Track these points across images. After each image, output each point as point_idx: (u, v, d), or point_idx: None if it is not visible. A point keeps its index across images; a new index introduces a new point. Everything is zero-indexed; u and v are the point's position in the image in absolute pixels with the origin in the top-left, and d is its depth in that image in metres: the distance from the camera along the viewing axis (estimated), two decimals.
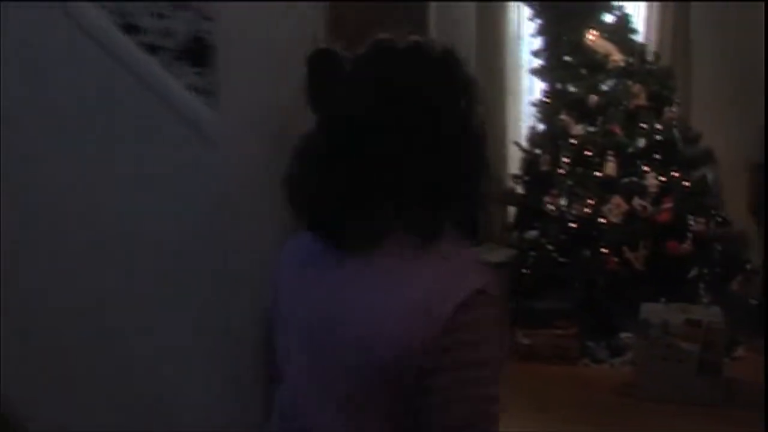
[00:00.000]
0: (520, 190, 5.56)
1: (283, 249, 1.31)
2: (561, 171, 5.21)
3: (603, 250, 4.98)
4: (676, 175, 5.11)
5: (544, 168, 5.23)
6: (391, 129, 1.12)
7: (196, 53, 2.62)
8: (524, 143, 5.62)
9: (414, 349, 1.08)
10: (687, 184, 5.13)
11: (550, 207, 5.13)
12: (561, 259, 5.12)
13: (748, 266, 5.26)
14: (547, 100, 5.38)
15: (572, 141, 5.14)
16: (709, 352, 4.25)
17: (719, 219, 5.11)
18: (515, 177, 5.60)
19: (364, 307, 1.13)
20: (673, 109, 5.23)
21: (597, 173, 5.07)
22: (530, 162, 5.44)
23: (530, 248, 5.30)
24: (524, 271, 5.30)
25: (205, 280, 2.70)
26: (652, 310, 4.48)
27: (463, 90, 1.17)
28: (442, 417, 1.08)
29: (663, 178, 5.10)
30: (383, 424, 1.13)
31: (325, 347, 1.17)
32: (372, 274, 1.13)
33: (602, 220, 5.00)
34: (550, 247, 5.12)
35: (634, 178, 5.06)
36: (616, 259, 4.94)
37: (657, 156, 5.14)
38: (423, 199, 1.13)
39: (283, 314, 1.26)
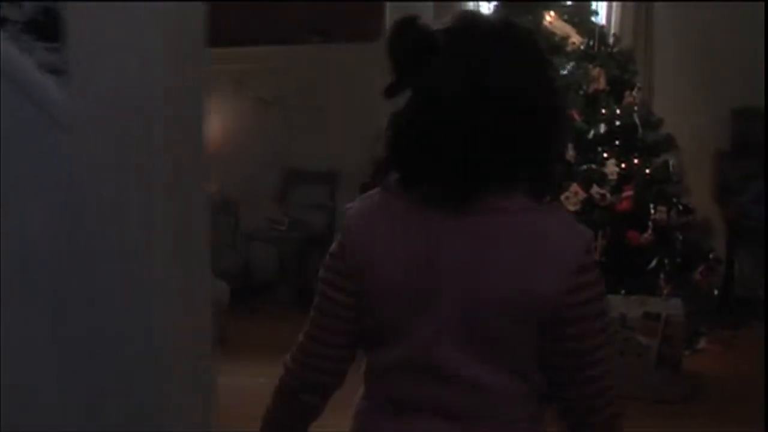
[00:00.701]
0: None
1: (355, 223, 1.32)
2: None
3: None
4: (637, 162, 4.92)
5: None
6: (494, 103, 1.19)
7: (47, 26, 2.34)
8: None
9: (555, 292, 1.20)
10: (648, 171, 4.93)
11: None
12: None
13: (711, 255, 5.10)
14: None
15: None
16: (668, 346, 4.07)
17: (681, 207, 4.92)
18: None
19: (501, 261, 1.21)
20: (634, 93, 5.02)
21: None
22: None
23: None
24: None
25: (54, 269, 2.54)
26: (610, 303, 4.29)
27: (548, 63, 1.30)
28: (576, 344, 1.25)
29: (623, 165, 4.91)
30: (521, 376, 1.26)
31: (465, 302, 1.22)
32: (497, 231, 1.22)
33: None
34: None
35: (593, 165, 4.85)
36: None
37: (617, 142, 4.94)
38: (526, 162, 1.23)
39: (387, 279, 1.27)
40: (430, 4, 5.21)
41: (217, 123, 6.58)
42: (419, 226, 1.26)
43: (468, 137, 1.20)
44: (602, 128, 4.92)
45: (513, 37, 1.25)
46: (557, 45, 4.98)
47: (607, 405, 1.31)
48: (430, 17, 5.05)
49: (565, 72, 5.04)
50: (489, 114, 1.19)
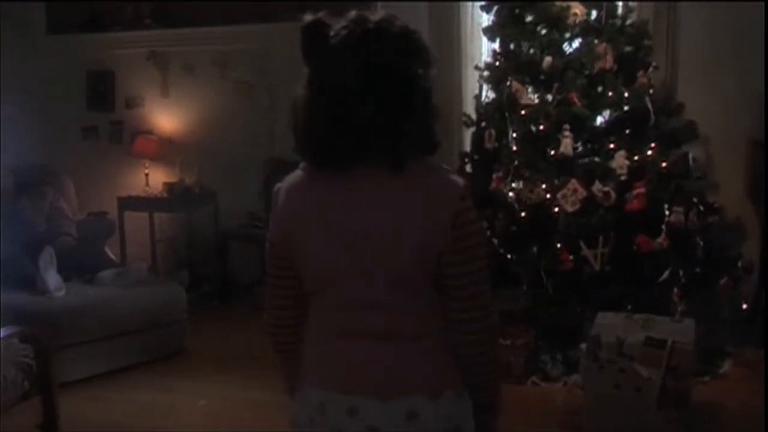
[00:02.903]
0: (469, 170, 4.66)
1: (284, 193, 1.62)
2: (515, 149, 4.30)
3: (557, 245, 4.09)
4: (651, 153, 4.19)
5: (488, 145, 4.33)
6: (373, 93, 1.50)
7: None
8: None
9: (437, 234, 1.53)
10: (664, 165, 4.21)
11: (495, 192, 4.23)
12: (508, 255, 4.22)
13: (740, 263, 4.36)
14: (497, 63, 4.45)
15: (522, 112, 4.22)
16: (673, 378, 3.36)
17: (702, 207, 4.19)
18: (464, 155, 4.71)
19: (395, 214, 1.54)
20: (649, 73, 4.28)
21: (551, 151, 4.16)
22: (479, 137, 4.53)
23: None
24: None
25: None
26: (607, 324, 3.60)
27: (423, 59, 1.56)
28: (457, 282, 1.57)
29: (636, 158, 4.19)
30: (422, 296, 1.59)
31: (371, 250, 1.55)
32: (389, 188, 1.54)
33: (555, 209, 4.10)
34: (494, 240, 4.23)
35: (596, 158, 4.15)
36: (570, 257, 4.04)
37: (627, 131, 4.22)
38: (403, 136, 1.53)
39: (312, 237, 1.58)
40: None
41: (196, 108, 6.05)
42: (330, 194, 1.56)
43: (350, 123, 1.50)
44: (607, 114, 4.20)
45: (392, 38, 1.53)
46: (556, 17, 4.27)
47: (484, 342, 1.62)
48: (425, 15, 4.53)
49: (567, 49, 4.33)
50: (367, 105, 1.50)
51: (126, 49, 6.18)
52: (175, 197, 5.82)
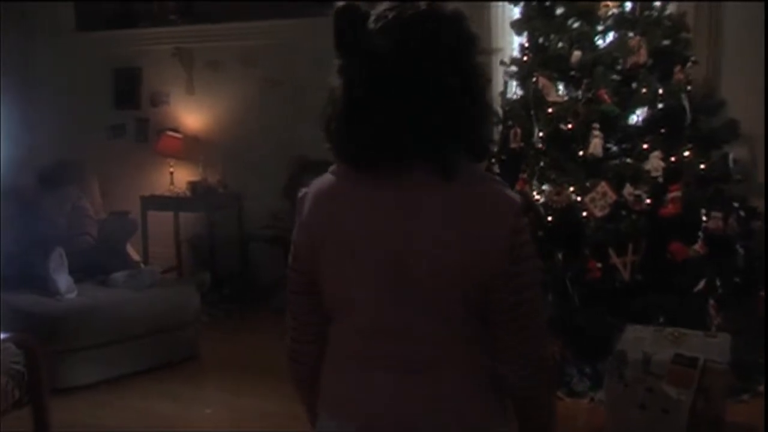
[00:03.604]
0: (496, 170, 4.43)
1: (312, 199, 1.43)
2: (543, 148, 4.06)
3: (585, 252, 3.84)
4: (688, 155, 3.91)
5: (513, 145, 4.09)
6: (426, 83, 1.31)
7: None
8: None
9: (487, 255, 1.33)
10: (703, 167, 3.92)
11: (520, 194, 3.99)
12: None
13: None
14: (524, 58, 4.21)
15: (549, 110, 3.97)
16: (705, 400, 3.10)
17: (743, 212, 3.89)
18: (490, 156, 4.47)
19: (438, 229, 1.33)
20: (687, 69, 4.00)
21: (580, 152, 3.90)
22: (506, 137, 4.30)
23: None
24: None
25: None
26: (635, 338, 3.34)
27: (478, 47, 1.37)
28: (508, 312, 1.37)
29: (673, 159, 3.91)
30: (463, 324, 1.37)
31: (406, 269, 1.34)
32: (433, 202, 1.34)
33: (583, 214, 3.85)
34: None
35: (627, 160, 3.88)
36: (598, 265, 3.79)
37: (662, 131, 3.95)
38: (454, 138, 1.34)
39: (342, 250, 1.39)
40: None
41: (220, 106, 5.92)
42: (363, 203, 1.37)
43: (391, 119, 1.32)
44: (641, 113, 3.93)
45: (440, 23, 1.33)
46: (587, 8, 4.01)
47: (536, 379, 1.42)
48: None
49: (600, 43, 4.07)
50: (409, 97, 1.31)
51: (152, 45, 6.08)
52: (197, 196, 5.70)
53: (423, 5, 1.34)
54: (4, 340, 3.09)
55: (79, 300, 4.25)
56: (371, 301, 1.38)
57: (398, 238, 1.34)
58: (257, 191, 5.81)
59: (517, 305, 1.36)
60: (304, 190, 1.46)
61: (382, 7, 1.35)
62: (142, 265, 5.15)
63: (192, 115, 6.04)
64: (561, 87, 4.17)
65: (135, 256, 5.41)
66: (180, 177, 5.91)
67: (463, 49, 1.35)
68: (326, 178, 1.43)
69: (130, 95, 6.21)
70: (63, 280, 4.27)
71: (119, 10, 6.15)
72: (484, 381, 1.40)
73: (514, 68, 4.25)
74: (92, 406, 3.84)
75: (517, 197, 1.38)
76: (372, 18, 1.34)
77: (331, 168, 1.43)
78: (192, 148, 5.92)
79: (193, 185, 5.74)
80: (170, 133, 5.92)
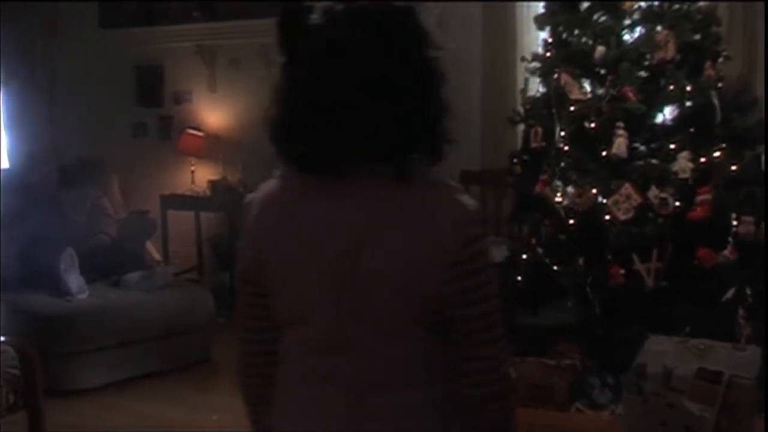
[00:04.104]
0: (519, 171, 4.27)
1: (258, 206, 1.37)
2: (565, 148, 3.89)
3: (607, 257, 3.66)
4: (719, 155, 3.70)
5: (534, 145, 3.93)
6: (372, 80, 1.24)
7: None
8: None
9: (437, 267, 1.26)
10: (734, 168, 3.71)
11: (541, 196, 3.84)
12: (555, 267, 3.82)
13: None
14: (547, 54, 4.04)
15: (571, 108, 3.80)
16: (729, 418, 2.90)
17: None
18: (513, 155, 4.32)
19: (385, 239, 1.27)
20: (719, 65, 3.79)
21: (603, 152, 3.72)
22: (527, 136, 4.14)
23: (523, 248, 4.03)
24: (518, 277, 4.04)
25: None
26: (657, 350, 3.15)
27: (426, 40, 1.29)
28: (463, 328, 1.31)
29: (702, 160, 3.71)
30: (417, 341, 1.31)
31: (354, 281, 1.27)
32: (381, 209, 1.28)
33: (606, 217, 3.67)
34: (539, 249, 3.83)
35: (653, 160, 3.69)
36: (621, 271, 3.61)
37: (691, 130, 3.75)
38: (406, 138, 1.28)
39: (289, 261, 1.32)
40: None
41: (242, 103, 5.83)
42: (310, 210, 1.31)
43: (337, 118, 1.25)
44: (668, 111, 3.74)
45: (381, 21, 1.27)
46: (612, 3, 3.83)
47: (497, 396, 1.34)
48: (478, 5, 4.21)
49: (626, 38, 3.88)
50: (355, 95, 1.24)
51: (174, 43, 6.02)
52: (217, 196, 5.62)
53: (364, 1, 1.28)
54: (1, 343, 3.03)
55: (90, 301, 4.19)
56: (320, 315, 1.32)
57: (345, 249, 1.28)
58: None
59: (472, 320, 1.30)
60: (251, 195, 1.41)
61: (328, 2, 1.28)
62: (162, 265, 5.09)
63: (214, 113, 5.96)
64: (586, 84, 3.99)
65: (156, 255, 5.36)
66: (201, 176, 5.84)
67: (414, 44, 1.28)
68: (272, 184, 1.38)
69: (152, 93, 6.15)
70: (74, 281, 4.22)
71: (142, 7, 6.10)
72: (441, 400, 1.34)
73: (536, 64, 4.07)
74: (98, 409, 3.78)
75: (471, 204, 1.31)
76: (317, 13, 1.27)
77: (278, 172, 1.37)
78: (213, 146, 5.84)
79: (213, 184, 5.67)
80: (191, 131, 5.84)
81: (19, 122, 6.10)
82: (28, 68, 6.14)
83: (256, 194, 1.40)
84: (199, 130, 5.87)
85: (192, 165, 5.83)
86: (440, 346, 1.33)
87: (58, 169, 5.39)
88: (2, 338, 3.05)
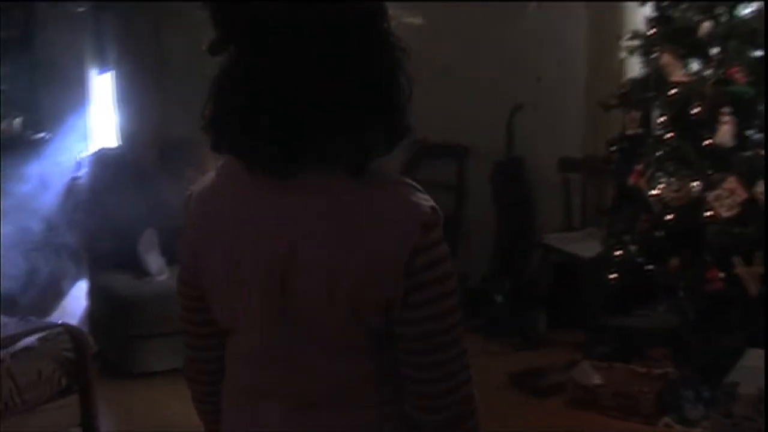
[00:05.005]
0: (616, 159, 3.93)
1: (194, 204, 1.24)
2: (666, 136, 3.52)
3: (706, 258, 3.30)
4: None
5: (630, 131, 3.57)
6: (319, 58, 1.10)
7: None
8: None
9: (385, 278, 1.12)
10: None
11: (634, 188, 3.50)
12: (648, 266, 3.48)
13: None
14: (649, 32, 3.66)
15: (671, 91, 3.42)
16: None
17: None
18: (610, 142, 3.97)
19: (327, 244, 1.13)
20: None
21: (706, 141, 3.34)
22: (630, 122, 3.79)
23: (616, 244, 3.71)
24: (611, 275, 3.72)
25: None
26: (752, 367, 2.80)
27: (382, 13, 1.16)
28: (413, 346, 1.17)
29: None
30: (364, 361, 1.19)
31: (292, 289, 1.15)
32: (325, 209, 1.14)
33: (706, 213, 3.29)
34: (632, 247, 3.50)
35: (762, 152, 3.27)
36: (720, 275, 3.23)
37: None
38: (351, 127, 1.13)
39: (223, 265, 1.20)
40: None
41: None
42: (247, 209, 1.18)
43: (282, 109, 1.11)
44: None
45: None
46: None
47: (452, 423, 1.21)
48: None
49: (739, 11, 3.46)
50: (302, 85, 1.10)
51: None
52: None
53: None
54: (56, 327, 3.03)
55: (168, 283, 4.17)
56: (257, 326, 1.21)
57: (284, 253, 1.15)
58: None
59: (426, 337, 1.16)
60: (190, 189, 1.27)
61: None
62: None
63: None
64: (694, 65, 3.59)
65: None
66: None
67: (369, 16, 1.14)
68: (210, 178, 1.25)
69: None
70: (153, 262, 4.22)
71: None
72: (393, 422, 1.22)
73: (636, 42, 3.70)
74: (162, 394, 3.75)
75: (429, 206, 1.15)
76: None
77: (218, 165, 1.24)
78: None
79: None
80: None
81: (130, 102, 6.22)
82: (139, 49, 6.24)
83: (195, 187, 1.27)
84: None
85: None
86: (392, 363, 1.19)
87: (160, 149, 5.44)
88: (59, 322, 3.03)
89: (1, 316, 3.28)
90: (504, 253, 4.81)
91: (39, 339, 3.02)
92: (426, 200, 1.16)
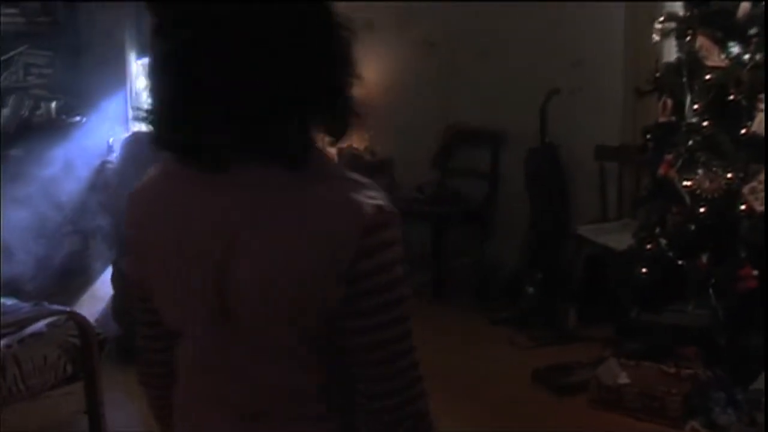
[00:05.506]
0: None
1: (135, 203, 1.18)
2: (702, 124, 3.34)
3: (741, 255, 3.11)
4: None
5: (662, 119, 3.39)
6: (259, 41, 1.01)
7: None
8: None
9: (324, 284, 1.04)
10: None
11: (664, 179, 3.32)
12: (679, 261, 3.31)
13: None
14: (685, 13, 3.46)
15: (706, 76, 3.23)
16: None
17: None
18: (645, 130, 3.79)
19: (262, 245, 1.05)
20: None
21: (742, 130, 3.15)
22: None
23: (647, 238, 3.54)
24: (643, 269, 3.55)
25: None
26: None
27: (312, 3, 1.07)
28: (360, 356, 1.08)
29: None
30: (310, 372, 1.11)
31: (230, 295, 1.07)
32: (260, 205, 1.06)
33: (741, 207, 3.10)
34: (662, 240, 3.33)
35: None
36: (754, 273, 3.04)
37: None
38: (285, 115, 1.04)
39: (162, 268, 1.13)
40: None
41: (374, 68, 5.59)
42: (184, 209, 1.11)
43: (217, 96, 1.01)
44: None
45: None
46: None
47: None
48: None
49: None
50: (230, 71, 1.01)
51: None
52: (344, 164, 5.44)
53: None
54: (62, 313, 3.01)
55: None
56: (196, 333, 1.16)
57: (220, 257, 1.07)
58: (407, 160, 5.45)
59: (373, 349, 1.08)
60: (136, 185, 1.22)
61: None
62: None
63: None
64: (734, 48, 3.38)
65: None
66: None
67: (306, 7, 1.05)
68: (151, 175, 1.18)
69: None
70: None
71: None
72: None
73: (671, 25, 3.51)
74: None
75: (373, 205, 1.04)
76: None
77: (161, 161, 1.17)
78: None
79: (340, 152, 5.49)
80: None
81: None
82: None
83: (137, 184, 1.20)
84: None
85: None
86: (342, 375, 1.12)
87: None
88: (60, 308, 3.01)
89: (16, 301, 3.29)
90: (537, 243, 4.66)
91: (47, 325, 3.01)
92: (373, 198, 1.06)
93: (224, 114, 1.03)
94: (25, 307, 3.22)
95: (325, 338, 1.10)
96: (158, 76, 1.07)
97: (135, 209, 1.18)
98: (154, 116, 1.08)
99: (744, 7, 3.19)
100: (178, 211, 1.13)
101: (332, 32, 1.07)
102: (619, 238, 3.99)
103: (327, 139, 1.13)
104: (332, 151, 5.49)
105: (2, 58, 5.26)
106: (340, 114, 1.09)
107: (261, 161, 1.06)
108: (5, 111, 5.36)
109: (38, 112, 5.24)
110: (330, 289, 1.04)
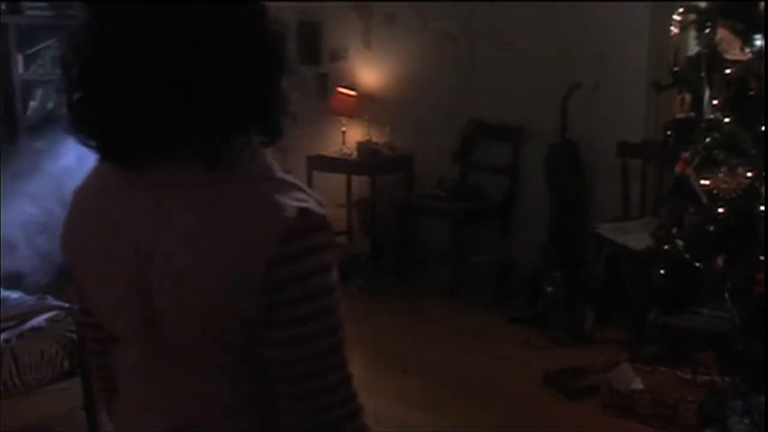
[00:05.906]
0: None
1: (72, 201, 1.13)
2: (725, 120, 3.20)
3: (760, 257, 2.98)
4: None
5: (680, 115, 3.26)
6: (182, 34, 0.95)
7: None
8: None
9: (241, 292, 0.97)
10: None
11: (681, 177, 3.20)
12: (696, 263, 3.18)
13: None
14: (704, 6, 3.32)
15: (726, 71, 3.09)
16: None
17: None
18: (666, 125, 3.65)
19: (176, 249, 0.99)
20: None
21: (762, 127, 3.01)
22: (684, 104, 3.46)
23: (664, 238, 3.41)
24: (660, 270, 3.43)
25: None
26: None
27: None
28: (281, 372, 1.01)
29: None
30: (223, 385, 1.05)
31: (151, 300, 1.02)
32: (176, 206, 1.00)
33: (761, 207, 2.97)
34: (679, 241, 3.20)
35: None
36: None
37: None
38: (203, 110, 0.97)
39: (90, 272, 1.10)
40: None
41: (395, 62, 5.51)
42: (111, 208, 1.06)
43: (133, 90, 0.96)
44: None
45: None
46: None
47: None
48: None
49: None
50: (158, 60, 0.95)
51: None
52: (363, 158, 5.37)
53: None
54: (61, 308, 2.99)
55: None
56: (126, 339, 1.12)
57: (141, 260, 1.02)
58: (427, 155, 5.36)
59: (296, 363, 1.00)
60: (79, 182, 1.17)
61: None
62: None
63: (368, 72, 5.69)
64: (758, 41, 3.24)
65: None
66: (353, 136, 5.61)
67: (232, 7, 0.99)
68: (92, 171, 1.13)
69: (311, 50, 5.99)
70: None
71: None
72: None
73: (691, 17, 3.37)
74: None
75: (296, 208, 0.98)
76: None
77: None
78: (366, 106, 5.58)
79: (359, 146, 5.42)
80: (342, 90, 5.61)
81: None
82: None
83: (82, 181, 1.15)
84: (350, 88, 5.62)
85: (343, 125, 5.62)
86: (267, 389, 1.05)
87: None
88: (58, 303, 2.99)
89: (22, 294, 3.28)
90: (558, 241, 4.54)
91: (47, 320, 2.99)
92: (299, 201, 0.99)
93: (136, 110, 0.97)
94: (30, 300, 3.21)
95: (250, 350, 1.03)
96: (73, 70, 1.01)
97: (72, 206, 1.14)
98: (70, 113, 1.02)
99: None
100: (104, 210, 1.08)
101: (260, 26, 1.01)
102: (639, 238, 3.87)
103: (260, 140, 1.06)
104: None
105: (30, 51, 5.28)
106: (271, 113, 1.02)
107: (180, 160, 1.00)
108: (33, 104, 5.40)
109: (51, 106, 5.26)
110: (244, 298, 0.98)
